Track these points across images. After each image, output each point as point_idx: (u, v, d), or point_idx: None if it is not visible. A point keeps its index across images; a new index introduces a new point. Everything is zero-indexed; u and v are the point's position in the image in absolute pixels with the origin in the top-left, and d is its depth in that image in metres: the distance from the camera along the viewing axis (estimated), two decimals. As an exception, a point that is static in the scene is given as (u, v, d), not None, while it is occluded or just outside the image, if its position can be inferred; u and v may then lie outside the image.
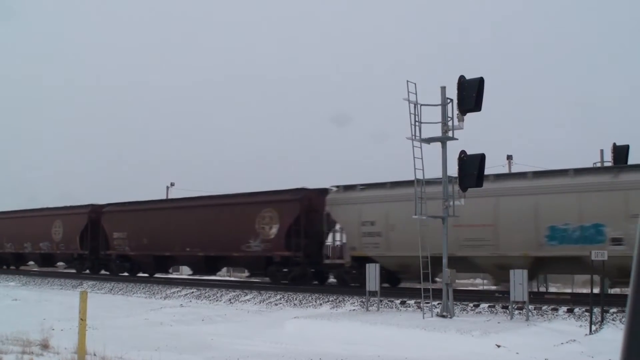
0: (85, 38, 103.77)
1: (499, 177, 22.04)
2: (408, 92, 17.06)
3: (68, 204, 40.39)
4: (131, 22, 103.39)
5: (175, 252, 32.00)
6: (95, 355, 10.59)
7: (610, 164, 25.55)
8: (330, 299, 22.25)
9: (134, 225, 34.12)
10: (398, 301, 20.64)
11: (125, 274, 35.14)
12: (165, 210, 33.72)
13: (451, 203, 17.49)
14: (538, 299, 20.02)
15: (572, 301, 19.23)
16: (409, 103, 17.12)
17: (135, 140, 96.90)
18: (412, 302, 20.27)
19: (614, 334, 13.91)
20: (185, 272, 40.50)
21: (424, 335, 14.25)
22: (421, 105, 17.32)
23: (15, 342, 11.83)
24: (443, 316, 16.94)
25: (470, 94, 16.57)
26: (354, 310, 20.28)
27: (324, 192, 26.28)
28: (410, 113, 17.18)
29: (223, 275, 39.93)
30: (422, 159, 17.30)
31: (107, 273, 36.45)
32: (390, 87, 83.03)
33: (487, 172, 18.20)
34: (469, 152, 17.13)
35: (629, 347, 2.04)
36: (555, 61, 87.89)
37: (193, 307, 22.80)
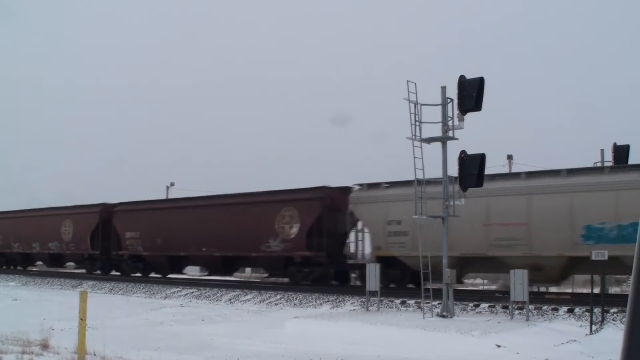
0: (85, 38, 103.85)
1: (530, 174, 21.29)
2: (408, 92, 17.06)
3: (78, 203, 39.41)
4: (131, 22, 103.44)
5: (190, 252, 31.25)
6: (95, 355, 10.58)
7: (611, 164, 25.49)
8: (330, 299, 22.25)
9: (147, 224, 33.32)
10: (398, 301, 20.62)
11: (138, 274, 34.45)
12: (181, 209, 32.68)
13: (451, 203, 17.48)
14: (538, 299, 19.98)
15: (573, 301, 19.19)
16: (409, 103, 17.12)
17: (135, 140, 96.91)
18: (412, 302, 20.25)
19: (614, 334, 13.89)
20: (187, 272, 39.99)
21: (424, 335, 14.24)
22: (421, 105, 17.32)
23: (15, 342, 11.82)
24: (443, 316, 16.93)
25: (471, 94, 16.55)
26: (354, 310, 20.28)
27: (346, 190, 25.64)
28: (410, 113, 17.18)
29: (249, 275, 39.13)
30: (422, 159, 17.31)
31: (119, 274, 35.68)
32: (390, 87, 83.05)
33: (487, 172, 18.10)
34: (469, 152, 17.12)
35: (629, 347, 2.04)
36: (555, 61, 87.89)
37: (193, 307, 22.80)
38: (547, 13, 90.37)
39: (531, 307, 17.32)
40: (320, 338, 14.25)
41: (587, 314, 15.87)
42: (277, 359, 11.91)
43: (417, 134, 17.26)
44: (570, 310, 17.33)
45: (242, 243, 28.12)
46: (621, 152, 24.08)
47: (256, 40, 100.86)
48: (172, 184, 51.03)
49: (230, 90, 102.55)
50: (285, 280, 28.57)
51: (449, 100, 17.17)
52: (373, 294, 19.63)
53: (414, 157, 17.23)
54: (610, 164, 25.64)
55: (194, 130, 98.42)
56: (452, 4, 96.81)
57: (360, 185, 25.22)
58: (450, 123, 17.16)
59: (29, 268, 44.12)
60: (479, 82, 16.58)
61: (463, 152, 17.11)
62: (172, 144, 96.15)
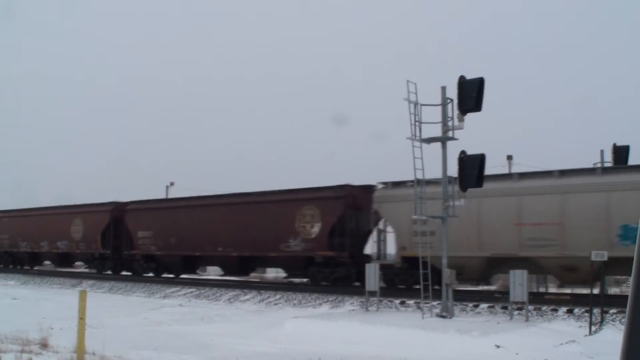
0: (85, 38, 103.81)
1: (564, 173, 20.63)
2: (408, 92, 17.05)
3: (89, 202, 38.44)
4: (131, 22, 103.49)
5: (205, 252, 30.42)
6: (94, 354, 10.57)
7: (610, 165, 25.49)
8: (330, 299, 22.25)
9: (160, 223, 32.47)
10: (398, 301, 20.63)
11: (150, 274, 33.74)
12: (196, 208, 31.49)
13: (451, 203, 17.48)
14: (538, 299, 19.97)
15: (572, 302, 19.19)
16: (409, 103, 17.11)
17: (135, 140, 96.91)
18: (411, 302, 20.25)
19: (613, 334, 13.89)
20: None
21: (423, 336, 14.23)
22: (421, 105, 17.31)
23: (15, 341, 11.80)
24: (443, 316, 16.92)
25: (471, 94, 16.53)
26: (353, 310, 20.28)
27: (369, 188, 24.86)
28: (410, 113, 17.17)
29: (274, 277, 37.72)
30: (422, 159, 17.31)
31: (130, 274, 34.94)
32: (390, 87, 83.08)
33: (487, 172, 18.03)
34: (469, 152, 17.11)
35: (629, 348, 2.03)
36: (556, 60, 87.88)
37: (192, 306, 22.80)
38: (547, 13, 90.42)
39: (530, 307, 17.32)
40: (320, 338, 14.24)
41: (586, 314, 15.87)
42: (277, 358, 11.90)
43: (417, 134, 17.25)
44: (570, 311, 17.33)
45: (261, 243, 27.32)
46: (621, 153, 24.08)
47: (256, 40, 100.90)
48: (171, 184, 51.03)
49: (231, 90, 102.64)
50: (305, 280, 27.81)
51: (448, 101, 17.15)
52: (372, 294, 19.63)
53: (414, 157, 17.24)
54: (610, 164, 25.65)
55: (194, 130, 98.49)
56: (452, 4, 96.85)
57: (385, 183, 24.43)
58: (450, 123, 17.14)
59: (37, 268, 43.26)
60: (479, 83, 16.55)
61: (463, 152, 17.10)
62: (172, 144, 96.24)
